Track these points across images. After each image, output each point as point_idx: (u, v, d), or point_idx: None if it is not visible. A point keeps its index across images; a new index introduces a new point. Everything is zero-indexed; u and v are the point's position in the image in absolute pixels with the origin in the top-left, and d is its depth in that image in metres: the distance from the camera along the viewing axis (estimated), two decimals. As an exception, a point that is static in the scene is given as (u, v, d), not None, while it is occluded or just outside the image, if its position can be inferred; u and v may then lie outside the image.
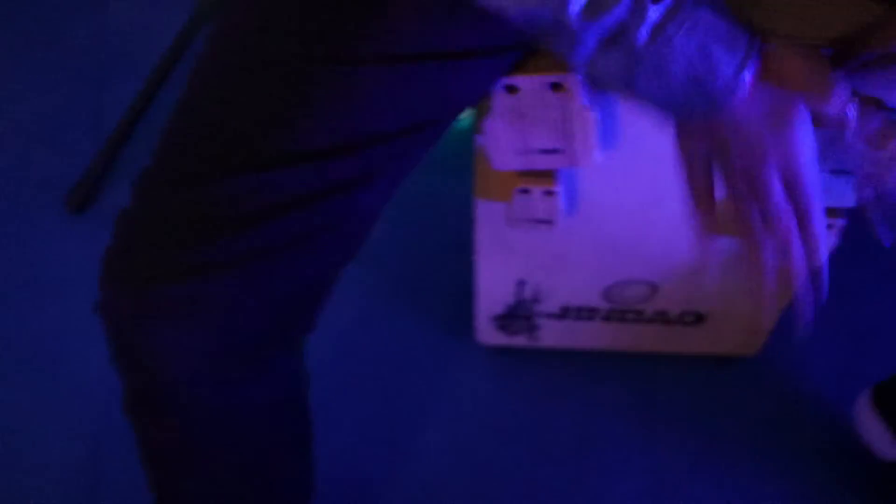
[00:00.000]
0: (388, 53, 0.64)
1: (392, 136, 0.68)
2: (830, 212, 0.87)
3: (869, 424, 1.06)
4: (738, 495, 1.11)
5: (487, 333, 1.17)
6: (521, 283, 1.07)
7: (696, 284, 1.05)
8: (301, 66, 0.65)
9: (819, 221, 0.61)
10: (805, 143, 0.59)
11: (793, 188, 0.60)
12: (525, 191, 0.88)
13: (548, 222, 0.92)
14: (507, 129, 0.80)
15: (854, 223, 0.89)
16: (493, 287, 1.08)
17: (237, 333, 0.69)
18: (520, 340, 1.18)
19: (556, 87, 0.76)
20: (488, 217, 0.96)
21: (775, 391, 1.19)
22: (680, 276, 1.04)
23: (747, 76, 0.55)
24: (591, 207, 0.94)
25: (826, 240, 0.62)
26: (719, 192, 0.64)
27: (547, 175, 0.87)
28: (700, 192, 0.65)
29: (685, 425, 1.16)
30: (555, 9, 0.53)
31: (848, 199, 0.85)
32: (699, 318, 1.11)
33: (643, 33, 0.54)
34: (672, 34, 0.54)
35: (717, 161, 0.61)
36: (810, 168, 0.59)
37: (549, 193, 0.88)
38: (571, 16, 0.53)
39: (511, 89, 0.77)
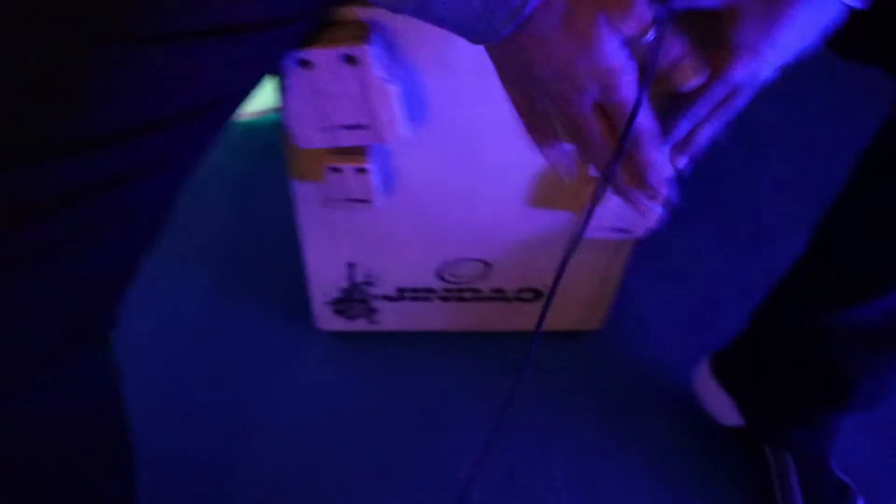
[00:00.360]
0: (161, 32, 0.59)
1: (175, 119, 0.63)
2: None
3: (708, 392, 1.07)
4: (589, 465, 1.10)
5: (326, 319, 1.13)
6: (351, 266, 1.04)
7: (530, 261, 1.03)
8: (69, 49, 0.59)
9: (650, 140, 0.58)
10: (616, 56, 0.55)
11: (613, 108, 0.57)
12: (336, 169, 0.85)
13: (365, 201, 0.89)
14: (307, 106, 0.77)
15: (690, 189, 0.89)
16: (323, 272, 1.04)
17: (27, 336, 0.64)
18: (360, 325, 1.14)
19: (349, 59, 0.72)
20: (307, 199, 0.93)
21: (620, 363, 1.19)
22: (513, 254, 1.02)
23: (553, 7, 0.53)
24: (412, 185, 0.91)
25: (664, 156, 0.59)
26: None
27: (358, 152, 0.84)
28: (532, 121, 0.62)
29: (534, 402, 1.15)
30: None
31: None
32: (537, 295, 1.10)
33: None
34: None
35: (532, 85, 0.58)
36: (628, 84, 0.55)
37: (361, 171, 0.85)
38: None
39: (304, 64, 0.73)
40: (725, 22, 0.58)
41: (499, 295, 1.10)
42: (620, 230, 0.93)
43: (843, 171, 0.86)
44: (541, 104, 0.62)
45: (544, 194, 0.93)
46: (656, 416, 1.15)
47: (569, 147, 0.64)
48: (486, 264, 1.04)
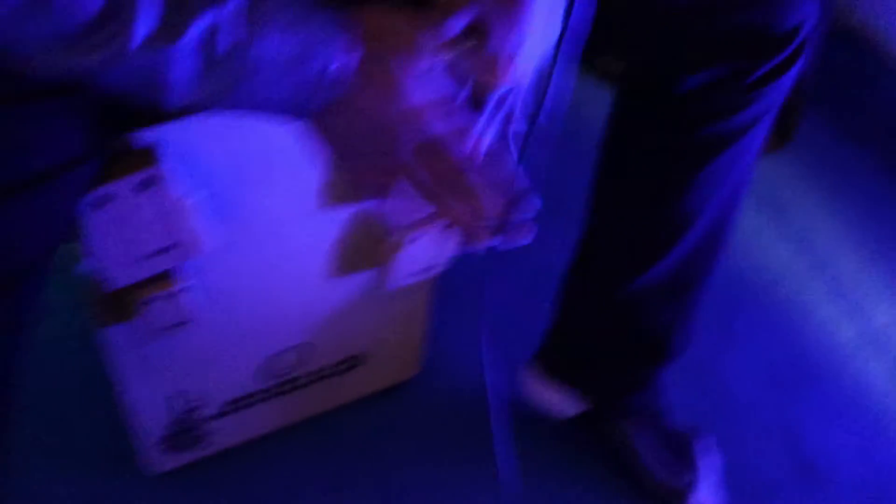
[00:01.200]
0: None
1: None
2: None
3: (540, 390, 1.13)
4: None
5: (156, 462, 1.08)
6: (171, 399, 1.00)
7: (344, 329, 1.05)
8: None
9: (471, 176, 0.61)
10: (417, 95, 0.58)
11: (434, 150, 0.60)
12: (147, 301, 0.82)
13: (182, 323, 0.87)
14: (109, 245, 0.74)
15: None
16: (145, 412, 1.00)
17: None
18: (190, 455, 1.10)
19: (145, 184, 0.72)
20: (119, 342, 0.89)
21: (446, 397, 1.23)
22: (327, 328, 1.03)
23: (351, 58, 0.56)
24: (221, 292, 0.90)
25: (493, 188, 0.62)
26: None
27: (164, 277, 0.82)
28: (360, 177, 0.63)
29: (370, 466, 1.16)
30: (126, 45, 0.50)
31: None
32: (355, 361, 1.12)
33: (225, 38, 0.52)
34: (262, 31, 0.53)
35: (357, 149, 0.60)
36: (437, 120, 0.59)
37: (172, 295, 0.83)
38: (136, 43, 0.50)
39: (102, 202, 0.71)
40: (480, 36, 0.62)
41: (318, 375, 1.10)
42: (425, 270, 0.98)
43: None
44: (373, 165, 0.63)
45: (346, 260, 0.95)
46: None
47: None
48: (304, 348, 1.04)
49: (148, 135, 0.72)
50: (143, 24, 0.50)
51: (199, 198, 0.76)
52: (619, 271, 1.00)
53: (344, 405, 1.18)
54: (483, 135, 0.63)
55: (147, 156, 0.72)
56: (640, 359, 1.07)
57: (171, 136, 0.73)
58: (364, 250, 0.95)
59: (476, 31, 0.62)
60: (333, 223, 0.90)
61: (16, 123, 0.58)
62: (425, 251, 0.95)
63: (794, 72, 0.86)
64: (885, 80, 1.58)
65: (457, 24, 0.61)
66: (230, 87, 0.55)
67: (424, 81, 0.59)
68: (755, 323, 1.34)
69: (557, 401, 1.13)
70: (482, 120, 0.63)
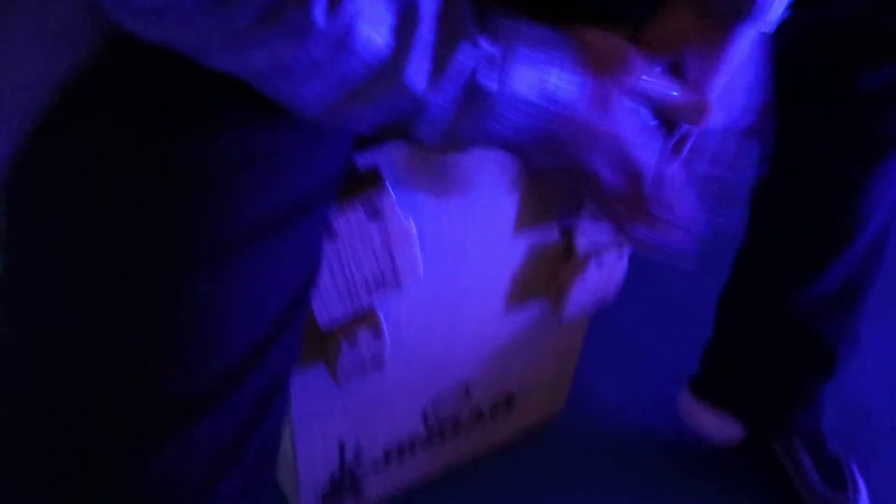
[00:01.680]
0: (245, 230, 0.54)
1: (279, 325, 0.57)
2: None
3: (699, 416, 1.10)
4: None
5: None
6: (342, 446, 0.97)
7: (505, 364, 1.02)
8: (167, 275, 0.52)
9: (655, 198, 0.64)
10: (627, 122, 0.61)
11: (627, 171, 0.62)
12: (352, 340, 0.80)
13: (378, 366, 0.84)
14: (329, 279, 0.72)
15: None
16: (314, 464, 0.96)
17: None
18: (346, 507, 1.06)
19: (373, 213, 0.69)
20: (305, 389, 0.86)
21: (592, 438, 1.20)
22: (489, 363, 1.00)
23: (582, 86, 0.58)
24: (401, 329, 0.87)
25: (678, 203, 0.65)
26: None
27: (370, 314, 0.80)
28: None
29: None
30: (401, 88, 0.51)
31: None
32: (510, 400, 1.09)
33: (492, 76, 0.54)
34: (514, 67, 0.55)
35: (561, 165, 0.62)
36: (639, 147, 0.62)
37: (377, 332, 0.80)
38: (417, 87, 0.52)
39: (329, 236, 0.69)
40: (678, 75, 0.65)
41: (476, 418, 1.07)
42: (597, 301, 0.96)
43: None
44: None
45: (522, 292, 0.93)
46: (655, 465, 1.16)
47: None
48: (466, 385, 1.01)
49: (366, 157, 0.70)
50: (416, 65, 0.51)
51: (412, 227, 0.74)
52: (787, 283, 0.98)
53: (493, 449, 1.14)
54: (667, 169, 0.66)
55: (374, 180, 0.70)
56: (805, 374, 1.05)
57: (383, 160, 0.71)
58: (540, 281, 0.93)
59: (675, 70, 0.65)
60: (515, 252, 0.88)
61: (281, 142, 0.56)
62: (597, 282, 0.93)
63: None
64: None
65: (665, 58, 0.64)
66: (476, 123, 0.56)
67: (632, 108, 0.62)
68: (884, 334, 1.32)
69: (719, 427, 1.10)
70: (671, 155, 0.67)
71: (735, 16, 0.63)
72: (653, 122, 0.65)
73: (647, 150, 0.63)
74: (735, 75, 0.67)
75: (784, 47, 0.70)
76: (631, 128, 0.62)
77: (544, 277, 0.93)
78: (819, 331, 1.00)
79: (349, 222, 0.69)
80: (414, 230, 0.73)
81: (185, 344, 0.50)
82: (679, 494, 1.14)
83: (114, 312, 0.50)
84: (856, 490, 1.10)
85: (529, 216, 0.85)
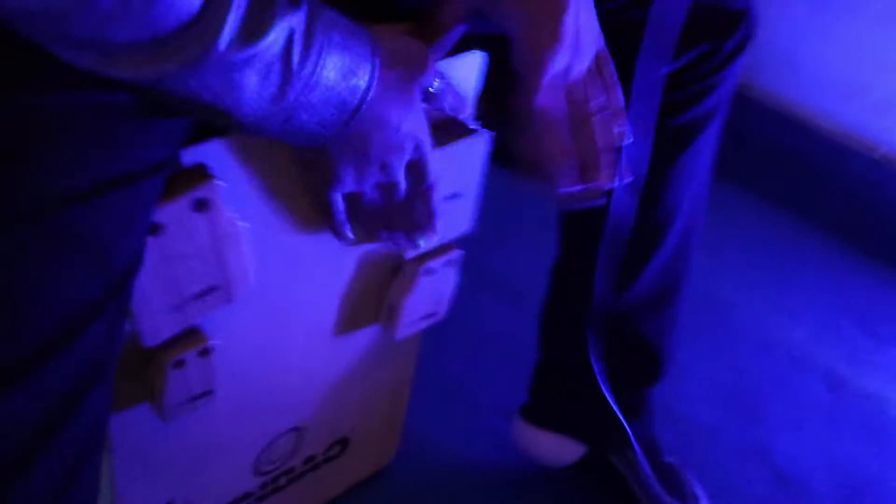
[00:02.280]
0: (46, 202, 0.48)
1: (101, 303, 0.51)
2: (443, 247, 0.88)
3: (535, 441, 1.09)
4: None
5: None
6: (169, 506, 0.87)
7: (337, 405, 0.97)
8: None
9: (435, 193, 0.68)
10: (420, 121, 0.64)
11: (420, 161, 0.65)
12: (180, 362, 0.72)
13: (207, 393, 0.77)
14: (156, 286, 0.65)
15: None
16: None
17: None
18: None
19: (200, 204, 0.64)
20: (127, 434, 0.77)
21: (432, 472, 1.16)
22: (322, 405, 0.95)
23: (376, 82, 0.58)
24: (225, 351, 0.80)
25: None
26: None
27: (196, 332, 0.73)
28: (360, 219, 0.69)
29: None
30: (212, 52, 0.48)
31: (463, 225, 0.87)
32: (344, 445, 1.03)
33: (305, 57, 0.52)
34: (327, 51, 0.54)
35: (362, 169, 0.63)
36: (428, 143, 0.65)
37: (206, 352, 0.74)
38: (222, 53, 0.48)
39: (155, 229, 0.63)
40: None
41: (310, 465, 1.01)
42: (427, 316, 0.93)
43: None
44: (367, 192, 0.67)
45: (352, 307, 0.89)
46: (496, 498, 1.14)
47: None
48: (298, 431, 0.95)
49: (193, 152, 0.65)
50: (231, 25, 0.48)
51: (244, 226, 0.69)
52: (607, 286, 1.00)
53: (327, 501, 1.08)
54: None
55: (201, 173, 0.65)
56: (633, 381, 1.06)
57: (213, 156, 0.66)
58: (371, 302, 0.89)
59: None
60: (347, 265, 0.85)
61: (106, 119, 0.52)
62: (428, 295, 0.91)
63: (742, 59, 0.92)
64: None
65: (453, 37, 0.67)
66: (293, 105, 0.54)
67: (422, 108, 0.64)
68: (698, 352, 1.37)
69: (557, 449, 1.09)
70: None
71: None
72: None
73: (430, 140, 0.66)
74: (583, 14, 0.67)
75: None
76: (423, 126, 0.64)
77: (375, 297, 0.89)
78: (642, 333, 1.02)
79: (176, 215, 0.63)
80: (245, 229, 0.68)
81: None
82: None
83: None
84: (695, 499, 1.11)
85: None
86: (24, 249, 0.48)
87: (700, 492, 1.13)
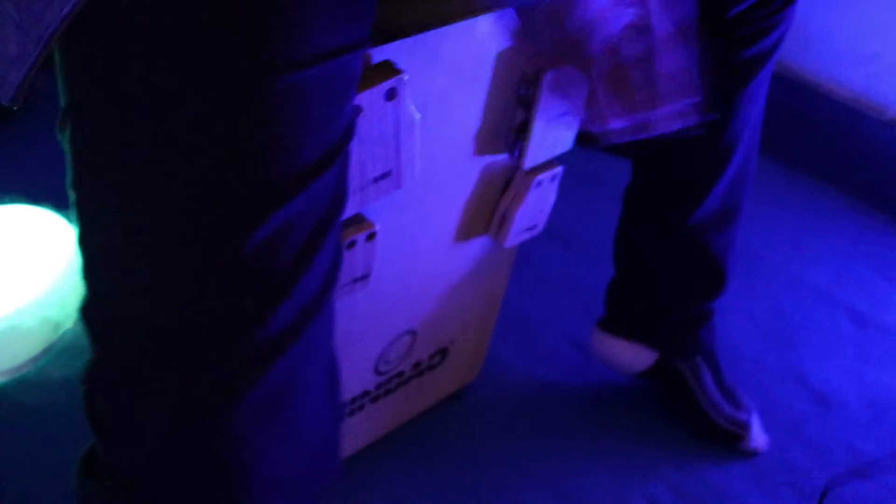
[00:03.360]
0: (311, 54, 0.59)
1: (337, 149, 0.62)
2: (549, 163, 0.99)
3: (613, 350, 1.20)
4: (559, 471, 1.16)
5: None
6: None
7: (447, 313, 1.08)
8: (249, 83, 0.56)
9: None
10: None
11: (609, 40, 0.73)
12: (351, 244, 0.83)
13: (365, 277, 0.88)
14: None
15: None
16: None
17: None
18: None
19: (390, 93, 0.75)
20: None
21: (512, 390, 1.27)
22: (435, 309, 1.06)
23: None
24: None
25: None
26: None
27: (360, 218, 0.84)
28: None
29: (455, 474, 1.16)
30: None
31: (567, 143, 0.98)
32: (444, 355, 1.14)
33: None
34: None
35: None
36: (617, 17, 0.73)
37: (371, 236, 0.85)
38: None
39: (354, 112, 0.73)
40: None
41: (416, 371, 1.11)
42: (530, 228, 1.05)
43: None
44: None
45: (469, 215, 1.00)
46: (571, 411, 1.25)
47: None
48: (413, 335, 1.06)
49: (383, 51, 0.76)
50: None
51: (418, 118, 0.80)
52: (678, 207, 1.11)
53: (422, 411, 1.18)
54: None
55: (388, 68, 0.76)
56: (701, 291, 1.18)
57: (398, 54, 0.77)
58: (484, 211, 1.01)
59: None
60: (471, 174, 0.96)
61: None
62: (533, 208, 1.02)
63: (794, 7, 1.04)
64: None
65: None
66: None
67: None
68: (737, 292, 1.49)
69: (628, 357, 1.21)
70: None
71: None
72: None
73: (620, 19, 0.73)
74: None
75: None
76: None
77: (488, 207, 1.00)
78: (709, 248, 1.14)
79: (371, 101, 0.74)
80: (418, 120, 0.79)
81: (275, 137, 0.55)
82: (598, 430, 1.23)
83: (217, 112, 0.54)
84: (748, 411, 1.24)
85: (486, 136, 0.93)
86: (290, 93, 0.57)
87: (751, 406, 1.25)
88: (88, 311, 0.57)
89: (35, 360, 1.13)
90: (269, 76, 0.55)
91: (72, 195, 0.58)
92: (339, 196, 0.63)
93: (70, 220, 1.13)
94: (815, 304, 1.52)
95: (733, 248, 1.16)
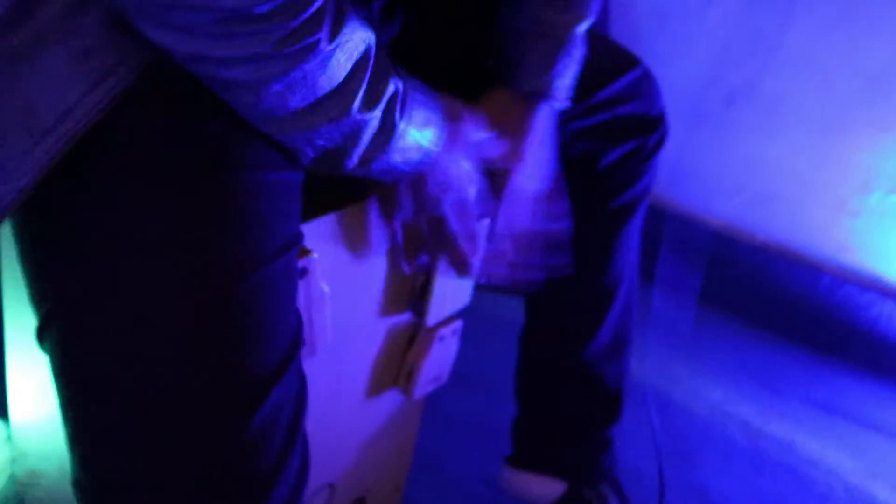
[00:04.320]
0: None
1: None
2: (450, 318, 1.08)
3: (522, 484, 1.26)
4: None
5: None
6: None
7: (358, 463, 1.13)
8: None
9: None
10: (466, 168, 0.84)
11: (462, 214, 0.85)
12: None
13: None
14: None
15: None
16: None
17: None
18: None
19: (302, 273, 0.83)
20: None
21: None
22: (347, 463, 1.11)
23: (443, 133, 0.80)
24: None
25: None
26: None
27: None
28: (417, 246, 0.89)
29: None
30: (347, 108, 0.68)
31: (465, 299, 1.07)
32: (361, 504, 1.18)
33: (399, 112, 0.73)
34: (414, 107, 0.75)
35: (422, 205, 0.84)
36: (472, 188, 0.85)
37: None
38: (355, 114, 0.68)
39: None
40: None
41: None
42: (436, 378, 1.12)
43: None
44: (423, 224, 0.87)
45: (379, 371, 1.07)
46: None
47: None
48: (332, 487, 1.10)
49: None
50: (362, 88, 0.69)
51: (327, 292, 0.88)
52: (573, 345, 1.20)
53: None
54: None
55: (303, 249, 0.83)
56: (600, 420, 1.26)
57: (310, 234, 0.85)
58: (392, 366, 1.08)
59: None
60: (378, 332, 1.03)
61: (260, 197, 0.70)
62: (438, 359, 1.09)
63: (662, 153, 1.17)
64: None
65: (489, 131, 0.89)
66: (385, 151, 0.75)
67: (468, 155, 0.85)
68: (636, 416, 1.58)
69: (538, 490, 1.27)
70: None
71: (537, 97, 0.88)
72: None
73: (475, 191, 0.86)
74: (539, 149, 0.91)
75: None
76: (469, 173, 0.84)
77: (395, 362, 1.07)
78: (603, 379, 1.22)
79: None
80: (327, 294, 0.86)
81: (256, 326, 0.62)
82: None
83: (191, 314, 0.61)
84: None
85: (390, 299, 1.01)
86: (263, 285, 0.65)
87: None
88: (85, 487, 0.63)
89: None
90: (249, 271, 0.63)
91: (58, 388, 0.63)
92: (303, 387, 0.70)
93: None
94: (709, 420, 1.62)
95: (626, 375, 1.25)
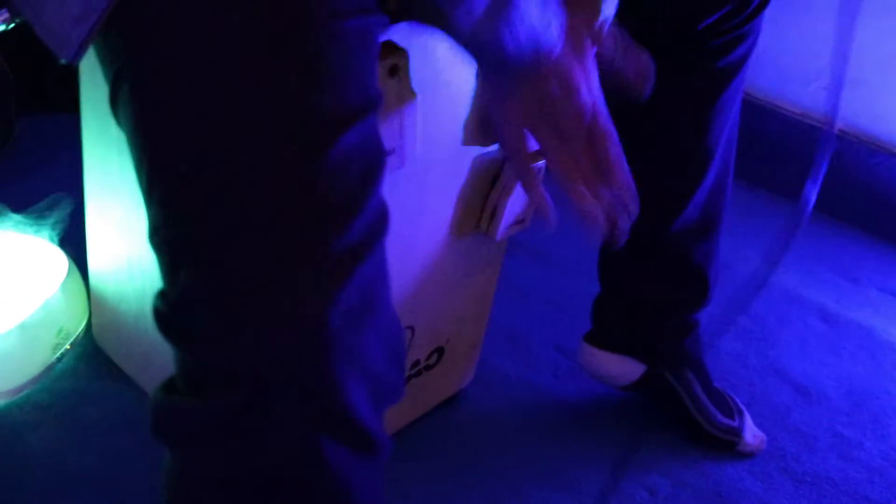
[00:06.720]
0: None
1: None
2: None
3: (601, 364, 1.23)
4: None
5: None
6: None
7: (444, 309, 1.11)
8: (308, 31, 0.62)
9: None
10: (592, 65, 0.76)
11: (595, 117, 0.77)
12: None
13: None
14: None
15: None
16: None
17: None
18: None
19: (393, 70, 0.80)
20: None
21: (504, 396, 1.29)
22: (432, 304, 1.09)
23: (562, 27, 0.72)
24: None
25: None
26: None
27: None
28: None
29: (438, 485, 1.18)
30: None
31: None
32: (440, 354, 1.16)
33: None
34: None
35: (542, 112, 0.75)
36: (596, 88, 0.76)
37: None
38: None
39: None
40: None
41: (415, 370, 1.14)
42: (519, 222, 1.09)
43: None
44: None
45: (461, 210, 1.04)
46: (564, 417, 1.28)
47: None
48: (411, 330, 1.08)
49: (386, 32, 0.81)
50: None
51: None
52: (659, 217, 1.14)
53: (417, 415, 1.20)
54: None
55: (391, 46, 0.80)
56: (686, 303, 1.21)
57: (399, 35, 0.82)
58: (475, 206, 1.04)
59: None
60: (462, 168, 1.00)
61: None
62: (520, 203, 1.06)
63: (762, 18, 1.11)
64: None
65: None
66: (496, 26, 0.68)
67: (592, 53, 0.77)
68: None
69: (617, 370, 1.24)
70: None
71: None
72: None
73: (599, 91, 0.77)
74: None
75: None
76: (593, 69, 0.76)
77: (479, 203, 1.04)
78: (691, 258, 1.17)
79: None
80: (417, 104, 0.83)
81: (326, 73, 0.61)
82: (593, 428, 1.26)
83: (272, 62, 0.60)
84: (741, 417, 1.27)
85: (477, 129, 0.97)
86: (334, 38, 0.63)
87: (742, 407, 1.29)
88: (171, 235, 0.61)
89: (35, 380, 1.13)
90: (319, 22, 0.61)
91: (135, 150, 0.62)
92: (380, 151, 0.67)
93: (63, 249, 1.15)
94: (787, 305, 1.57)
95: (715, 258, 1.19)
